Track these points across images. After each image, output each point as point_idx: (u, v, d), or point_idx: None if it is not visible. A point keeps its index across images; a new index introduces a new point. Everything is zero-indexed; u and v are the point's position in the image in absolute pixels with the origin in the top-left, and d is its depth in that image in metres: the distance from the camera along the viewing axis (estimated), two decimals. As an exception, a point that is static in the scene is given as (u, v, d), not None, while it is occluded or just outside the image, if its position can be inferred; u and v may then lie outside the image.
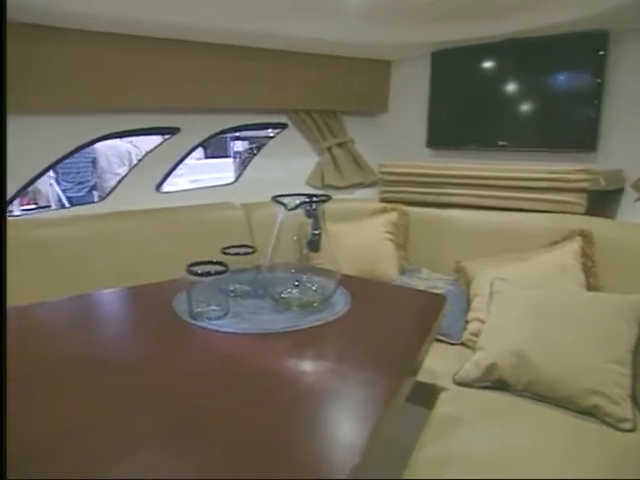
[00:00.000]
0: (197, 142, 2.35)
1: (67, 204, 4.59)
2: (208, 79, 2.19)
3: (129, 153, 4.78)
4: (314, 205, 1.10)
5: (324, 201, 1.11)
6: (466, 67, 2.40)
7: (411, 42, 2.33)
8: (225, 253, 1.18)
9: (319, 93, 2.53)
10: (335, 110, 2.67)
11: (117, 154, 4.78)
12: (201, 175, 5.09)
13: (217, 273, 1.02)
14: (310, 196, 1.13)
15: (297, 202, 1.07)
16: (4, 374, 0.65)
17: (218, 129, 2.39)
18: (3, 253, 1.04)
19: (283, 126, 2.63)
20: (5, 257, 1.00)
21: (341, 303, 1.18)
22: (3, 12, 1.11)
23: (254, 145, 6.16)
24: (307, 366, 0.94)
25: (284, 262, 1.17)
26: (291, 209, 1.06)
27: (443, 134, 2.55)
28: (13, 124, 1.87)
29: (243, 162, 5.71)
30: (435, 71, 2.50)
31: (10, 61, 1.74)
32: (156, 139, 4.96)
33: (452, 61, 2.44)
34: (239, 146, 7.15)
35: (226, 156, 7.09)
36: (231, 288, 1.18)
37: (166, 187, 2.37)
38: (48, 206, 4.72)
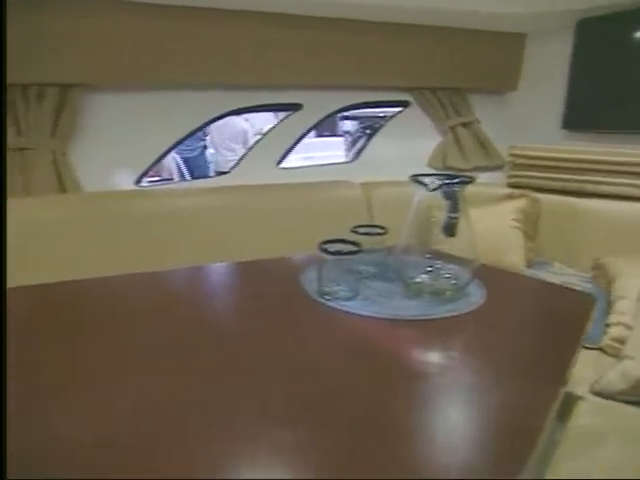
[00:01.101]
0: (319, 118, 2.33)
1: (188, 177, 4.86)
2: (331, 55, 2.15)
3: (244, 130, 4.94)
4: (455, 186, 1.02)
5: (467, 182, 1.03)
6: (618, 38, 2.12)
7: (554, 11, 2.10)
8: (355, 232, 1.14)
9: (445, 70, 2.39)
10: (461, 88, 2.51)
11: (232, 130, 4.95)
12: (313, 153, 5.13)
13: (350, 253, 0.98)
14: (452, 177, 1.04)
15: (439, 182, 0.99)
16: (4, 374, 0.65)
17: (340, 106, 2.35)
18: (3, 251, 1.05)
19: (404, 104, 2.53)
20: (5, 256, 1.02)
21: (476, 294, 1.09)
22: (3, 12, 1.12)
23: (364, 125, 6.08)
24: (440, 359, 0.87)
25: (417, 245, 1.10)
26: (433, 189, 0.98)
27: (584, 115, 2.29)
28: (147, 99, 1.99)
29: (354, 141, 5.66)
30: (580, 43, 2.24)
31: (150, 38, 1.84)
32: (268, 117, 5.07)
33: (601, 31, 2.16)
34: (348, 125, 7.13)
35: (335, 135, 7.10)
36: (359, 269, 1.14)
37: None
38: (170, 179, 5.05)
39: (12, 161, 1.73)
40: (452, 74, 2.42)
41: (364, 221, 1.29)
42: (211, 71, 1.99)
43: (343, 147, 6.14)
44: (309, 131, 2.34)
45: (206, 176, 4.81)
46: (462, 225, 1.06)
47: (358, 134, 6.03)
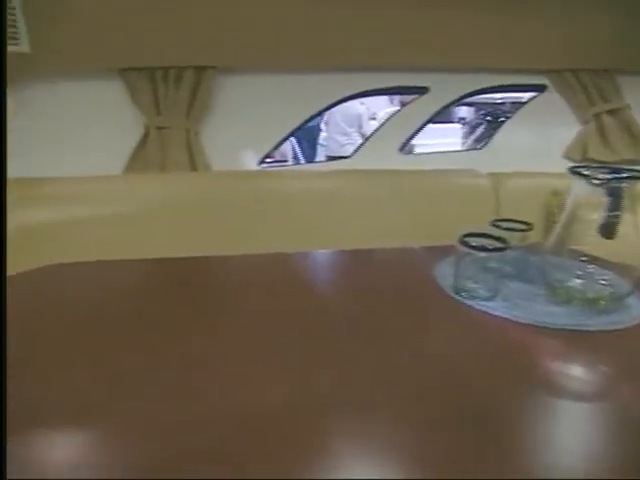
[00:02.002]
0: (446, 103, 2.22)
1: (302, 160, 4.93)
2: (460, 35, 2.01)
3: (359, 113, 4.89)
4: (624, 182, 0.88)
5: (638, 178, 0.89)
6: None
7: None
8: (496, 226, 1.05)
9: (589, 48, 2.12)
10: (609, 69, 2.23)
11: (347, 114, 4.93)
12: (428, 140, 4.95)
13: (497, 250, 0.89)
14: (617, 170, 0.91)
15: (605, 176, 0.87)
16: (4, 374, 0.64)
17: (469, 89, 2.21)
18: (3, 247, 1.04)
19: (540, 89, 2.32)
20: (5, 252, 1.01)
21: (638, 308, 0.95)
22: (3, 14, 1.10)
23: (483, 111, 5.76)
24: (599, 380, 0.76)
25: (568, 245, 0.99)
26: (600, 184, 0.86)
27: None
28: (274, 82, 2.01)
29: (473, 129, 5.38)
30: None
31: (279, 22, 1.84)
32: (382, 100, 4.92)
33: None
34: (464, 112, 6.79)
35: (448, 122, 6.80)
36: (496, 266, 1.04)
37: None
38: (284, 160, 5.16)
39: (151, 139, 1.85)
40: (598, 53, 2.15)
41: (490, 214, 1.19)
42: (337, 53, 1.96)
43: (459, 135, 5.87)
44: (435, 116, 2.23)
45: (313, 160, 4.84)
46: (624, 226, 0.93)
47: (477, 121, 5.72)
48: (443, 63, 2.11)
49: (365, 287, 1.09)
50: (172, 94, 1.86)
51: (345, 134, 4.82)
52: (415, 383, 0.69)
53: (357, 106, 4.85)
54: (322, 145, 5.11)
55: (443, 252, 1.09)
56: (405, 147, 2.20)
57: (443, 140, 4.74)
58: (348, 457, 0.56)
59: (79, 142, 1.87)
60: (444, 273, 1.04)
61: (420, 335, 0.84)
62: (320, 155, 5.06)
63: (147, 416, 0.60)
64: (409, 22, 1.95)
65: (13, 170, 1.83)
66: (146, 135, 1.87)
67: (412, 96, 2.25)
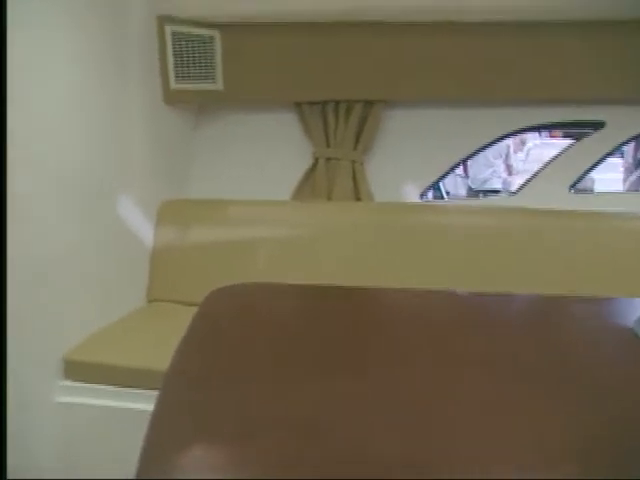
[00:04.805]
0: (625, 139, 2.04)
1: (444, 194, 4.79)
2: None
3: (506, 144, 4.66)
4: None
5: None
6: None
7: None
8: None
9: None
10: None
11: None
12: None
13: None
14: None
15: None
16: (4, 374, 0.62)
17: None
18: (3, 251, 1.03)
19: None
20: (5, 253, 0.99)
21: None
22: (3, 12, 1.09)
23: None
24: None
25: None
26: None
27: None
28: (438, 115, 2.01)
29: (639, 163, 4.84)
30: None
31: (444, 57, 1.84)
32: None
33: None
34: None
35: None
36: None
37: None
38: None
39: (319, 168, 1.96)
40: None
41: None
42: (505, 87, 1.91)
43: (620, 169, 5.32)
44: (612, 153, 2.05)
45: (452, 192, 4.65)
46: None
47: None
48: (621, 95, 1.94)
49: (555, 335, 1.02)
50: (341, 127, 1.95)
51: (490, 166, 4.61)
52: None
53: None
54: (462, 177, 4.92)
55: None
56: (576, 185, 2.06)
57: (602, 175, 4.32)
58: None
59: (255, 167, 2.06)
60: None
61: (618, 392, 0.76)
62: (461, 187, 4.87)
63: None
64: (582, 52, 1.83)
65: (198, 191, 2.07)
66: (315, 164, 1.99)
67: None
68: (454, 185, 4.83)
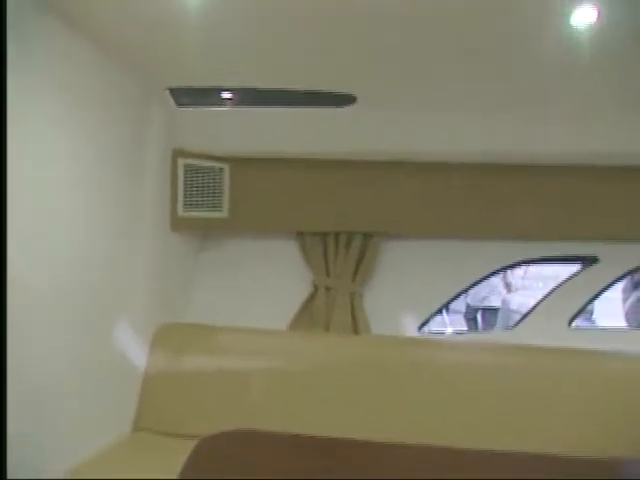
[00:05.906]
0: (619, 274, 2.07)
1: (447, 325, 4.72)
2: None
3: (504, 274, 4.70)
4: None
5: None
6: None
7: None
8: None
9: None
10: None
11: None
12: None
13: None
14: None
15: None
16: (4, 374, 0.58)
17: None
18: (3, 251, 1.03)
19: None
20: (5, 254, 0.97)
21: None
22: (3, 12, 1.13)
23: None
24: None
25: None
26: None
27: None
28: (429, 248, 2.06)
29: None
30: None
31: (437, 193, 1.93)
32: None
33: None
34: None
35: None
36: None
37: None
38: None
39: (318, 297, 1.98)
40: None
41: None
42: (502, 222, 1.98)
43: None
44: (607, 288, 2.08)
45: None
46: None
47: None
48: (613, 232, 2.01)
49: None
50: (341, 257, 2.00)
51: (489, 284, 4.63)
52: None
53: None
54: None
55: None
56: (573, 320, 2.05)
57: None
58: None
59: (254, 292, 2.08)
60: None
61: None
62: (459, 304, 4.83)
63: None
64: (582, 193, 1.93)
65: (198, 314, 2.07)
66: (314, 293, 2.01)
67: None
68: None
